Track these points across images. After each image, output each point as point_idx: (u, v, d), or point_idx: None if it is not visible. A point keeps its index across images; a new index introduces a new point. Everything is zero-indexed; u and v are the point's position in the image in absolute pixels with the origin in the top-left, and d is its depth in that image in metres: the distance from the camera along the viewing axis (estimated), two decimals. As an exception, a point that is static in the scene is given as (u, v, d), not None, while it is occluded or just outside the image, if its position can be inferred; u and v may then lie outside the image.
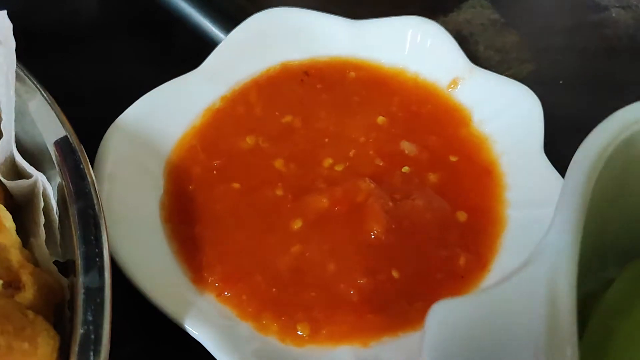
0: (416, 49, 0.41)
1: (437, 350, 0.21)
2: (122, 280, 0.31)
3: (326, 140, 0.38)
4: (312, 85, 0.41)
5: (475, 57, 0.43)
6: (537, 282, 0.22)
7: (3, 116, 0.30)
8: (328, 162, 0.37)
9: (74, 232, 0.27)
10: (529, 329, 0.21)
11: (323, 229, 0.34)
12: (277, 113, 0.39)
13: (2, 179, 0.30)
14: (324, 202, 0.34)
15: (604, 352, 0.23)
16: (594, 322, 0.24)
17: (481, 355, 0.21)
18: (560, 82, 0.44)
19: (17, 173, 0.31)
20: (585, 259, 0.22)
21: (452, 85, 0.40)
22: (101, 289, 0.26)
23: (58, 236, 0.29)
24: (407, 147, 0.38)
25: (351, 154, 0.37)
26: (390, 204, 0.35)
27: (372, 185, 0.35)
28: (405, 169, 0.37)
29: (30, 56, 0.33)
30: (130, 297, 0.31)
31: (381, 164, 0.37)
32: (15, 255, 0.27)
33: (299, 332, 0.31)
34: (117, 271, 0.31)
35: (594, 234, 0.24)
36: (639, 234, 0.27)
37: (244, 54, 0.41)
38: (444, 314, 0.21)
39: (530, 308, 0.21)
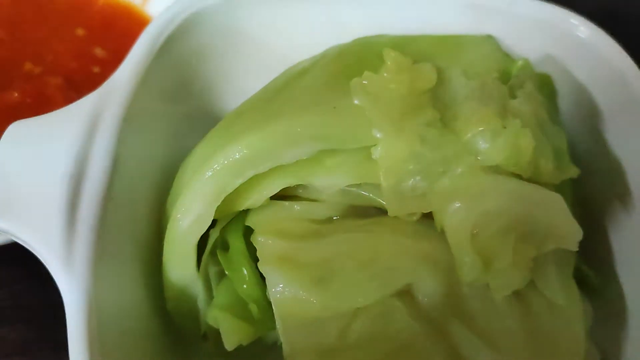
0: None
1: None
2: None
3: (28, 49, 0.45)
4: (21, 5, 0.47)
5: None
6: (88, 104, 0.31)
7: None
8: (28, 66, 0.44)
9: None
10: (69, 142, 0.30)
11: (15, 117, 0.41)
12: (-14, 29, 0.46)
13: None
14: (15, 95, 0.42)
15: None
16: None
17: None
18: None
19: None
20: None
21: (144, 3, 0.48)
22: None
23: None
24: (99, 52, 0.46)
25: (49, 59, 0.45)
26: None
27: (61, 81, 0.43)
28: (96, 69, 0.45)
29: None
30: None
31: (75, 66, 0.45)
32: None
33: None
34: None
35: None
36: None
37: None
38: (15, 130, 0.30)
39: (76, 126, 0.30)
